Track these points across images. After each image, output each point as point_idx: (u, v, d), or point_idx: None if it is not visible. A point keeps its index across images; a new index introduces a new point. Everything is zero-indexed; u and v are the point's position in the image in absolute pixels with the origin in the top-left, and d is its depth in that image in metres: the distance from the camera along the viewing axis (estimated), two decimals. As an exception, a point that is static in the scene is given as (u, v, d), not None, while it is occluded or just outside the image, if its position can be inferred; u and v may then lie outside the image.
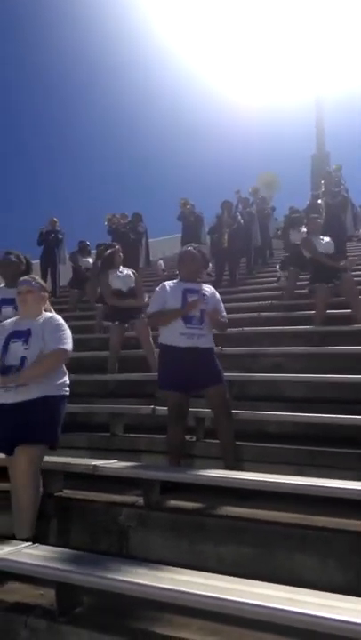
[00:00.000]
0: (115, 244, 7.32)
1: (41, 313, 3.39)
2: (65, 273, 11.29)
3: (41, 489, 3.19)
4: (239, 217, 10.95)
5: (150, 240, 13.00)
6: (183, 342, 3.83)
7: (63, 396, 3.32)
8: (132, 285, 6.23)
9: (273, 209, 13.53)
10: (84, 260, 10.01)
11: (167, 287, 4.05)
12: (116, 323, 6.14)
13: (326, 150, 24.86)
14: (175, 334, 3.86)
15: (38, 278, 3.64)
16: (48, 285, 4.87)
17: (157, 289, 4.13)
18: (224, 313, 4.17)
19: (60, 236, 11.67)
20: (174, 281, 4.16)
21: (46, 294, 3.52)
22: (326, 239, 7.11)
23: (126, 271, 6.37)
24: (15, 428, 3.12)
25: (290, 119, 52.78)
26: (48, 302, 3.62)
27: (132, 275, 6.34)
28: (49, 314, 3.43)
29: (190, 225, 11.75)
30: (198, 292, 3.98)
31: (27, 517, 3.08)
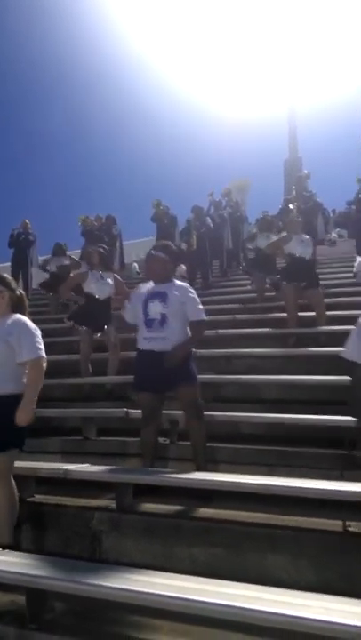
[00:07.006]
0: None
1: (8, 314, 3.23)
2: (37, 275, 11.14)
3: (17, 494, 3.14)
4: (208, 220, 10.95)
5: (125, 243, 12.95)
6: (146, 346, 3.89)
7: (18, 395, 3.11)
8: (109, 296, 6.12)
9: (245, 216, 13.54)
10: (58, 259, 9.83)
11: (135, 293, 4.15)
12: (84, 328, 6.11)
13: (299, 155, 25.22)
14: (140, 338, 3.95)
15: (6, 276, 3.45)
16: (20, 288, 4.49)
17: (131, 294, 4.23)
18: (198, 315, 3.93)
19: (32, 238, 11.44)
20: (150, 284, 4.14)
21: (7, 294, 3.28)
22: (306, 237, 7.12)
23: (108, 279, 6.14)
24: None
25: (265, 128, 53.89)
26: (25, 303, 3.40)
27: (111, 282, 6.15)
28: (15, 316, 3.24)
29: (164, 226, 11.71)
30: (164, 293, 3.92)
31: (2, 524, 3.04)
